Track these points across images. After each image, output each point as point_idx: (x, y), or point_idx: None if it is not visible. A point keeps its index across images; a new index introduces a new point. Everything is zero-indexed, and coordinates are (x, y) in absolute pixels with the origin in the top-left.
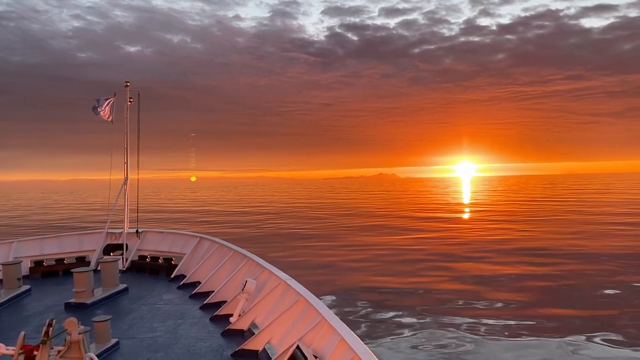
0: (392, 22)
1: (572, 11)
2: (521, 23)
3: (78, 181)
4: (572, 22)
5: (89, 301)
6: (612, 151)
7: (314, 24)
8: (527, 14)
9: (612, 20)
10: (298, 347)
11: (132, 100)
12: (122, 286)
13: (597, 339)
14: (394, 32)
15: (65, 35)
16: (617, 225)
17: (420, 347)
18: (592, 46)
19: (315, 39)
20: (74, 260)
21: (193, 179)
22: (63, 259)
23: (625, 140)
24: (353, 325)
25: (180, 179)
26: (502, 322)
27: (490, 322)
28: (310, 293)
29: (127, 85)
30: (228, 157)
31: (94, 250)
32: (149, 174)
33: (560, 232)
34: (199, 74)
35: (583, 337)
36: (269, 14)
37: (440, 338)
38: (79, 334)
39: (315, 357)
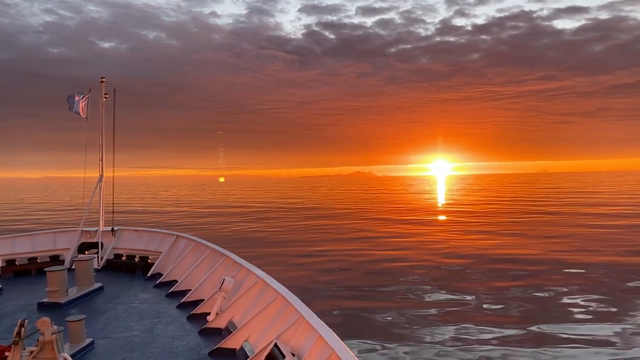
0: (369, 21)
1: (545, 12)
2: (496, 24)
3: (51, 179)
4: (545, 23)
5: (62, 300)
6: (584, 150)
7: (291, 22)
8: (502, 14)
9: (583, 22)
10: (276, 345)
11: (107, 96)
12: (97, 285)
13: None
14: (371, 31)
15: (36, 30)
16: (596, 229)
17: None
18: (564, 47)
19: (292, 36)
20: (48, 259)
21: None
22: (36, 258)
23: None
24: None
25: (155, 177)
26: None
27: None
28: (288, 291)
29: (102, 81)
30: (205, 154)
31: (69, 248)
32: (125, 171)
33: (533, 235)
34: (175, 71)
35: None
36: (245, 11)
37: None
38: (52, 334)
39: (293, 354)
